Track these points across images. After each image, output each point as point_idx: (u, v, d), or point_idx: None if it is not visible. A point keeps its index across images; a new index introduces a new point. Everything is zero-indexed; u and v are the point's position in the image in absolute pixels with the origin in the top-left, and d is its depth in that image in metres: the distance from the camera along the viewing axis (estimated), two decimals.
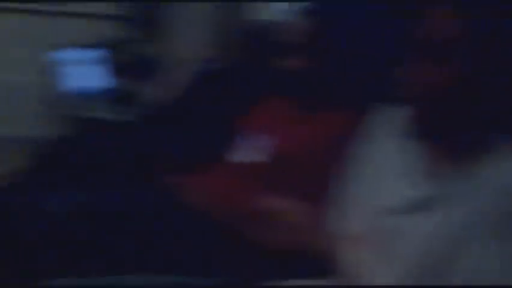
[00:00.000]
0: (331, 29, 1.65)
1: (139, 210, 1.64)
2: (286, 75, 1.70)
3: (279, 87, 1.78)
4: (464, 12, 1.10)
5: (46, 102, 2.98)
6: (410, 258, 1.14)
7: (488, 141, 1.13)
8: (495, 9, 1.10)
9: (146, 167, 1.88)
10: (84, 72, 3.00)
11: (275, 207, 1.54)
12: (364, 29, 1.66)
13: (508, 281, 1.06)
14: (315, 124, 1.65)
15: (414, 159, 1.20)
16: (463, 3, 1.11)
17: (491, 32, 1.09)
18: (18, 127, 3.08)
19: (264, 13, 2.84)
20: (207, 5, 3.03)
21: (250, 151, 1.70)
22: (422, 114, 1.15)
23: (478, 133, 1.14)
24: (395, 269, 1.16)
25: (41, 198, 1.67)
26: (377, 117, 1.32)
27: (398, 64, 1.17)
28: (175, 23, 3.08)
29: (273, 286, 1.40)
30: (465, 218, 1.10)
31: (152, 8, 3.14)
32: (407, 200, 1.17)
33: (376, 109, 1.33)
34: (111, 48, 3.02)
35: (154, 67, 3.04)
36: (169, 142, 1.97)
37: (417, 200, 1.16)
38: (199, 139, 1.92)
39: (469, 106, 1.12)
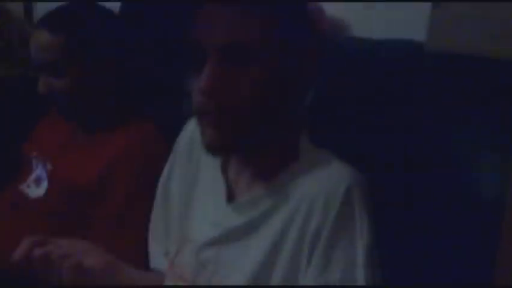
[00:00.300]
0: (91, 43, 1.47)
1: None
2: (55, 95, 1.48)
3: (54, 108, 1.56)
4: (260, 15, 1.00)
5: None
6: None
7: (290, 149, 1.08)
8: (288, 12, 1.03)
9: None
10: None
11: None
12: (131, 38, 1.56)
13: None
14: (95, 146, 1.50)
15: (220, 184, 1.13)
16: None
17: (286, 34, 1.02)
18: None
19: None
20: None
21: (35, 182, 1.55)
22: (225, 125, 1.03)
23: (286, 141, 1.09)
24: None
25: None
26: (180, 136, 1.24)
27: (190, 74, 1.05)
28: None
29: None
30: (277, 238, 1.04)
31: None
32: (222, 231, 1.10)
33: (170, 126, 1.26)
34: None
35: None
36: None
37: (233, 228, 1.09)
38: None
39: (270, 112, 1.04)
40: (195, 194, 1.18)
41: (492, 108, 1.14)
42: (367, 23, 1.38)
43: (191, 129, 1.20)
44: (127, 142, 1.47)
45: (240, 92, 1.01)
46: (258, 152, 1.09)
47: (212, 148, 1.06)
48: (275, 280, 1.04)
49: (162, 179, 1.25)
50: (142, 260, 1.27)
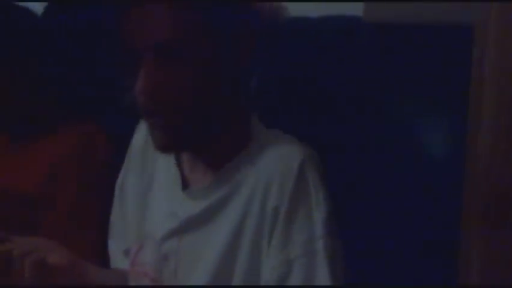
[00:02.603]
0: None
1: None
2: None
3: None
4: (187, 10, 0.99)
5: None
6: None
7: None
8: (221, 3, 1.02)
9: None
10: None
11: None
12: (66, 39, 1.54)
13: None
14: (33, 152, 1.46)
15: (175, 175, 1.13)
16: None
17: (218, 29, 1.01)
18: None
19: None
20: None
21: None
22: (172, 124, 1.03)
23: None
24: None
25: None
26: (134, 136, 1.24)
27: (129, 76, 1.03)
28: None
29: None
30: (237, 223, 1.04)
31: None
32: (180, 221, 1.09)
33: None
34: None
35: None
36: None
37: (191, 217, 1.09)
38: None
39: (214, 104, 1.04)
40: (151, 192, 1.18)
41: (437, 74, 1.15)
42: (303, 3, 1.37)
43: (144, 129, 1.18)
44: (69, 145, 1.44)
45: (178, 89, 1.00)
46: (209, 143, 1.09)
47: (162, 148, 1.06)
48: (240, 264, 1.04)
49: (118, 181, 1.25)
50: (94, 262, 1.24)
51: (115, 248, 1.25)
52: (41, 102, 1.51)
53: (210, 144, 1.09)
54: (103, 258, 1.29)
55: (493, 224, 0.84)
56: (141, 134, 1.21)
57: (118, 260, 1.24)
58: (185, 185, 1.12)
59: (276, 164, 1.04)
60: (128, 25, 1.00)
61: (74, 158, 1.43)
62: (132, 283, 1.18)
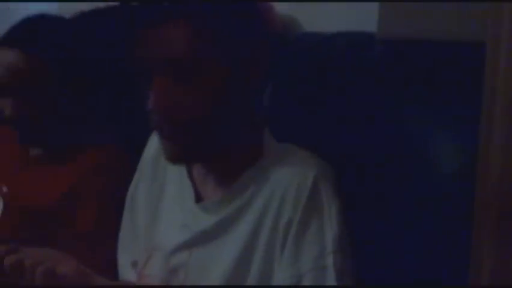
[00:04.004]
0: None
1: None
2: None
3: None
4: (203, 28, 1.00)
5: None
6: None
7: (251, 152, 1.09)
8: (233, 21, 1.03)
9: None
10: None
11: None
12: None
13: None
14: (53, 166, 1.47)
15: (187, 188, 1.13)
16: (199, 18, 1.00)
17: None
18: None
19: None
20: None
21: None
22: (182, 137, 1.04)
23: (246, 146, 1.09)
24: None
25: None
26: (146, 149, 1.25)
27: (144, 89, 1.04)
28: None
29: None
30: (249, 237, 1.04)
31: None
32: (192, 233, 1.10)
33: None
34: None
35: None
36: None
37: (203, 230, 1.09)
38: None
39: (225, 118, 1.05)
40: (162, 204, 1.18)
41: (450, 90, 1.16)
42: (317, 18, 1.39)
43: (156, 141, 1.19)
44: (89, 164, 1.44)
45: (190, 105, 1.01)
46: (221, 155, 1.09)
47: (173, 160, 1.08)
48: (252, 276, 1.04)
49: (129, 193, 1.25)
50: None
51: (124, 259, 1.26)
52: (79, 113, 1.51)
53: (221, 157, 1.09)
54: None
55: (504, 230, 0.84)
56: (153, 146, 1.22)
57: (126, 272, 1.24)
58: (197, 197, 1.12)
59: (290, 177, 1.04)
60: (141, 43, 1.02)
61: (94, 178, 1.43)
62: None
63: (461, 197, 1.00)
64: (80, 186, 1.42)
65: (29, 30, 1.44)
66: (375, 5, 1.19)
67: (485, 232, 0.86)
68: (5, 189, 1.49)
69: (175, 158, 1.08)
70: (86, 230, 1.40)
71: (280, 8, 1.37)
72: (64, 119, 1.47)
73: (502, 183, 0.84)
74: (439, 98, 1.14)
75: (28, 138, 1.48)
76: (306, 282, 1.00)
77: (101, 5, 1.66)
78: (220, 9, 1.02)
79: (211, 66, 1.01)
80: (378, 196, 1.14)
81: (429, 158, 1.13)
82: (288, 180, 1.04)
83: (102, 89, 1.57)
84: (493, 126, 0.85)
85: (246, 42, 1.04)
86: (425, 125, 1.16)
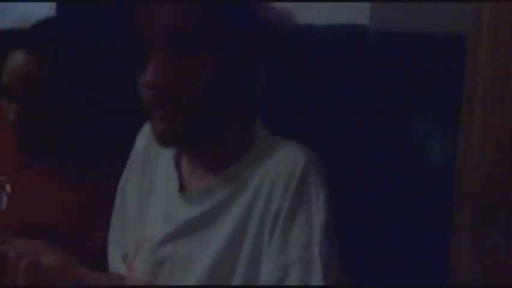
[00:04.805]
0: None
1: None
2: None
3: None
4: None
5: None
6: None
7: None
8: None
9: None
10: None
11: None
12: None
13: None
14: (60, 189, 1.43)
15: (173, 178, 1.13)
16: None
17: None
18: None
19: None
20: None
21: None
22: (174, 116, 1.03)
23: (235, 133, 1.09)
24: None
25: None
26: (137, 140, 1.24)
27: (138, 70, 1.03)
28: None
29: None
30: (238, 226, 1.04)
31: None
32: (176, 225, 1.09)
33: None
34: None
35: None
36: None
37: (187, 221, 1.08)
38: None
39: (219, 101, 1.04)
40: (151, 197, 1.18)
41: (439, 82, 1.17)
42: (310, 10, 1.40)
43: (147, 132, 1.19)
44: (99, 185, 1.39)
45: (187, 82, 1.01)
46: (210, 143, 1.09)
47: (163, 139, 1.06)
48: (240, 266, 1.04)
49: (120, 186, 1.25)
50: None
51: (114, 252, 1.25)
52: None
53: (210, 144, 1.09)
54: None
55: (483, 226, 0.86)
56: (144, 138, 1.22)
57: (117, 265, 1.24)
58: (182, 187, 1.12)
59: (280, 167, 1.04)
60: (139, 16, 1.02)
61: (104, 199, 1.36)
62: None
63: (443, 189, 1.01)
64: (90, 205, 1.39)
65: (38, 35, 1.42)
66: None
67: (464, 230, 0.88)
68: (8, 188, 1.40)
69: (165, 138, 1.06)
70: (99, 249, 1.33)
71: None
72: (69, 127, 1.44)
73: (480, 177, 0.85)
74: (426, 90, 1.15)
75: (26, 146, 1.44)
76: (292, 273, 1.01)
77: None
78: None
79: (207, 45, 1.01)
80: (367, 190, 1.15)
81: (419, 151, 1.14)
82: (277, 169, 1.04)
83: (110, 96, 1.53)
84: (473, 119, 0.86)
85: (242, 26, 1.04)
86: (417, 118, 1.18)
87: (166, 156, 1.16)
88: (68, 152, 1.46)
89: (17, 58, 1.38)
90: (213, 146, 1.09)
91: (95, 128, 1.50)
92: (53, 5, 1.72)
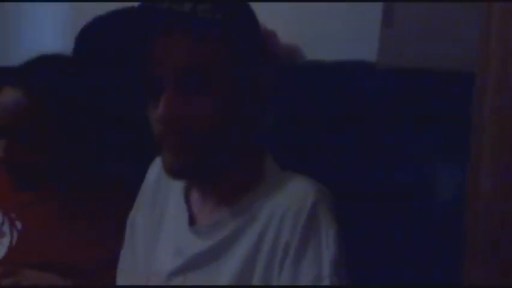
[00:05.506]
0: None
1: None
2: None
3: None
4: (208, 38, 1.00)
5: None
6: None
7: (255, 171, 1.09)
8: (241, 38, 1.04)
9: None
10: None
11: None
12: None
13: None
14: (69, 224, 1.40)
15: (183, 211, 1.13)
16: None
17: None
18: None
19: None
20: None
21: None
22: (184, 149, 1.03)
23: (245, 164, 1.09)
24: None
25: None
26: (148, 173, 1.24)
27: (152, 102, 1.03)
28: None
29: None
30: (247, 259, 1.03)
31: None
32: (186, 258, 1.09)
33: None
34: None
35: None
36: None
37: (197, 255, 1.08)
38: None
39: (229, 135, 1.04)
40: (161, 230, 1.18)
41: (446, 120, 1.17)
42: (319, 46, 1.41)
43: (158, 165, 1.19)
44: (107, 219, 1.36)
45: (198, 115, 1.02)
46: (220, 176, 1.09)
47: (173, 172, 1.06)
48: None
49: (129, 219, 1.25)
50: None
51: (123, 284, 1.24)
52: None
53: (220, 177, 1.09)
54: None
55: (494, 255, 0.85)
56: (155, 170, 1.22)
57: None
58: (192, 221, 1.12)
59: (290, 201, 1.04)
60: (151, 54, 1.03)
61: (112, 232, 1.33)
62: None
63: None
64: (101, 240, 1.36)
65: (32, 71, 1.40)
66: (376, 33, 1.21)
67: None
68: (19, 225, 1.43)
69: (175, 171, 1.06)
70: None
71: (283, 36, 1.39)
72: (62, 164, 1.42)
73: (491, 211, 0.85)
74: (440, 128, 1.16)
75: (19, 182, 1.41)
76: None
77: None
78: (226, 29, 1.03)
79: (218, 81, 1.02)
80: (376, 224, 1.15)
81: (428, 187, 1.14)
82: (287, 203, 1.04)
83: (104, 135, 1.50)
84: (482, 154, 0.86)
85: (250, 65, 1.05)
86: (426, 155, 1.18)
87: (176, 188, 1.16)
88: (71, 190, 1.45)
89: (6, 94, 1.37)
90: (223, 179, 1.10)
91: (93, 164, 1.48)
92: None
